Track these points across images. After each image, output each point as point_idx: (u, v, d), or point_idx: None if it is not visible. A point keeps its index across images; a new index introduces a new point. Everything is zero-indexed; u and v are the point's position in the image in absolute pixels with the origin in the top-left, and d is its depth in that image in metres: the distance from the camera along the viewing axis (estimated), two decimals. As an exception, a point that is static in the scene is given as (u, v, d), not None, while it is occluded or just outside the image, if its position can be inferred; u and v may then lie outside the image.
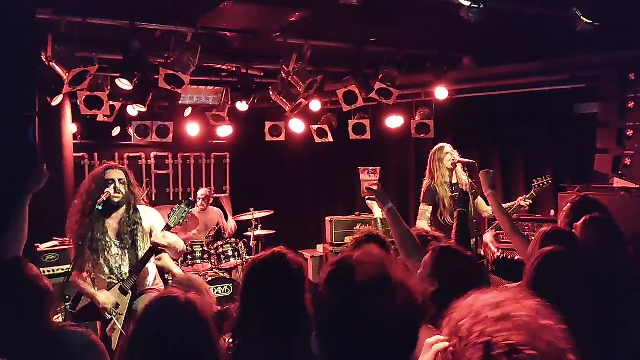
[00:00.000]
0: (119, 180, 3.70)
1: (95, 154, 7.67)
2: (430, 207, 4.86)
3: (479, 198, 4.99)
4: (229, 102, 6.75)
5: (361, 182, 3.47)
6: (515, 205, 4.82)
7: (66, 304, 3.12)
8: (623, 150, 4.93)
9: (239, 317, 2.02)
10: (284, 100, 5.99)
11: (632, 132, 4.86)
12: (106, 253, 3.67)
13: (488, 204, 4.91)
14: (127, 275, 3.68)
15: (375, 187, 3.13)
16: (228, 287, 5.98)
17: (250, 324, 1.97)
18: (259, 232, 6.71)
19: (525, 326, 1.15)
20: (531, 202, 4.89)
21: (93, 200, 3.60)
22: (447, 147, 4.99)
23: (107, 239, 3.68)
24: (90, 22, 4.38)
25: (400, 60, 5.54)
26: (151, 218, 3.84)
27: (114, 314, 3.62)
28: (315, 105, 6.54)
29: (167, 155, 8.30)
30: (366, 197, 3.42)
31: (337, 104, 6.33)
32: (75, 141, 6.78)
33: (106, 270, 3.69)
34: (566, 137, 6.20)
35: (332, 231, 6.96)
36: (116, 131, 7.23)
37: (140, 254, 3.71)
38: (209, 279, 5.89)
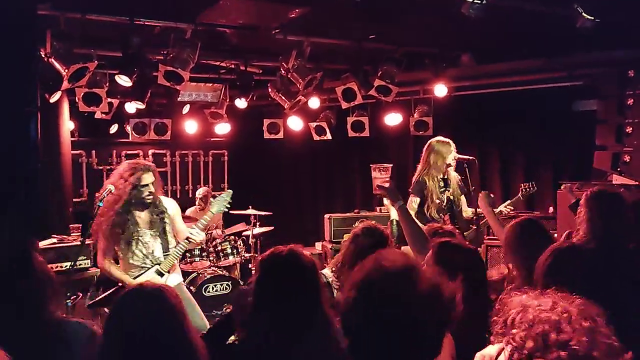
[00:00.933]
0: (152, 182, 3.97)
1: (93, 152, 7.64)
2: (418, 199, 4.86)
3: (462, 197, 5.02)
4: (228, 100, 6.73)
5: (373, 179, 3.50)
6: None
7: (67, 301, 3.11)
8: (622, 147, 4.95)
9: (251, 310, 2.03)
10: (283, 98, 5.98)
11: (631, 129, 4.88)
12: (140, 242, 3.94)
13: (469, 205, 5.01)
14: (162, 259, 3.97)
15: (387, 185, 3.16)
16: (227, 284, 5.98)
17: (259, 317, 1.97)
18: (257, 229, 6.70)
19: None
20: (513, 208, 4.96)
21: (128, 197, 3.87)
22: (452, 145, 5.00)
23: (139, 229, 3.95)
24: (89, 19, 4.36)
25: (399, 57, 5.54)
26: (172, 206, 4.19)
27: None
28: (314, 103, 6.53)
29: (165, 152, 8.27)
30: (378, 195, 3.48)
31: (335, 102, 6.32)
32: (72, 138, 6.74)
33: (140, 256, 3.95)
34: (565, 134, 6.21)
35: (331, 228, 6.95)
36: (114, 128, 7.20)
37: (170, 238, 4.03)
38: (208, 276, 5.88)
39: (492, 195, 4.02)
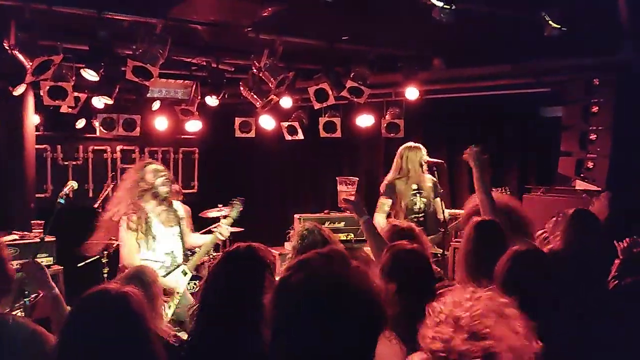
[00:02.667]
0: (162, 170, 4.22)
1: (59, 147, 7.46)
2: (390, 201, 4.90)
3: (438, 199, 5.06)
4: (199, 97, 6.65)
5: (338, 192, 3.48)
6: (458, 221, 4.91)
7: (25, 300, 3.03)
8: (586, 154, 5.04)
9: (200, 307, 2.07)
10: (255, 96, 5.94)
11: (595, 136, 4.98)
12: (159, 239, 4.08)
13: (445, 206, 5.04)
14: (180, 259, 4.19)
15: (352, 198, 3.17)
16: (194, 283, 5.90)
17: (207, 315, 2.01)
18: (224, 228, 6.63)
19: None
20: None
21: (141, 188, 4.09)
22: (423, 149, 5.04)
23: (156, 225, 4.09)
24: (56, 10, 4.24)
25: (371, 59, 5.56)
26: (181, 209, 4.42)
27: (175, 295, 4.08)
28: (286, 102, 6.50)
29: (134, 149, 8.12)
30: (343, 208, 3.48)
31: (308, 102, 6.31)
32: (37, 132, 6.58)
33: (161, 254, 4.08)
34: (532, 139, 6.33)
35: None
36: (81, 123, 7.05)
37: (185, 239, 4.27)
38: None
39: (485, 157, 3.67)
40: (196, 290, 5.88)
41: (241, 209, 4.70)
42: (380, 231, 3.14)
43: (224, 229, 4.46)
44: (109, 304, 1.69)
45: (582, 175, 5.04)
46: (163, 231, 4.12)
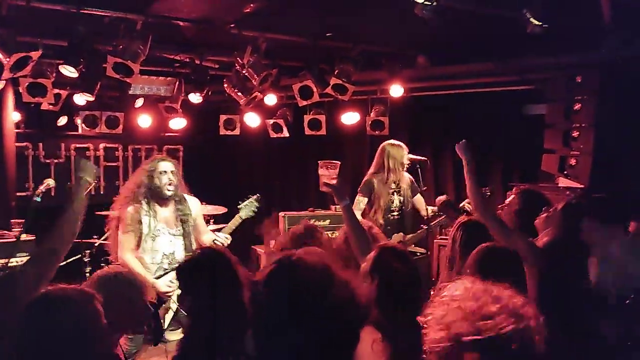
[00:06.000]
0: (172, 172, 3.90)
1: (40, 144, 7.36)
2: (366, 199, 4.90)
3: (418, 195, 5.07)
4: (182, 94, 6.59)
5: (319, 176, 3.39)
6: (442, 219, 4.91)
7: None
8: (569, 151, 5.07)
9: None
10: (239, 93, 5.90)
11: (577, 133, 5.00)
12: (158, 240, 3.82)
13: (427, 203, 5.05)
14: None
15: (333, 182, 3.13)
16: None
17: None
18: (211, 227, 6.59)
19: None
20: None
21: (146, 187, 3.84)
22: (405, 148, 5.04)
23: (158, 225, 3.83)
24: (34, 6, 4.17)
25: (356, 56, 5.54)
26: (196, 206, 4.11)
27: (170, 300, 3.80)
28: (271, 100, 6.46)
29: (117, 147, 8.04)
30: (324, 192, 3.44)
31: (292, 99, 6.27)
32: (18, 130, 6.48)
33: (159, 256, 3.83)
34: (516, 137, 6.35)
35: (285, 226, 6.90)
36: (62, 121, 6.96)
37: (193, 240, 3.94)
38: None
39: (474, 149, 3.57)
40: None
41: (255, 208, 4.20)
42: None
43: (221, 238, 3.99)
44: (57, 308, 1.64)
45: (565, 172, 5.06)
46: (164, 231, 3.87)
